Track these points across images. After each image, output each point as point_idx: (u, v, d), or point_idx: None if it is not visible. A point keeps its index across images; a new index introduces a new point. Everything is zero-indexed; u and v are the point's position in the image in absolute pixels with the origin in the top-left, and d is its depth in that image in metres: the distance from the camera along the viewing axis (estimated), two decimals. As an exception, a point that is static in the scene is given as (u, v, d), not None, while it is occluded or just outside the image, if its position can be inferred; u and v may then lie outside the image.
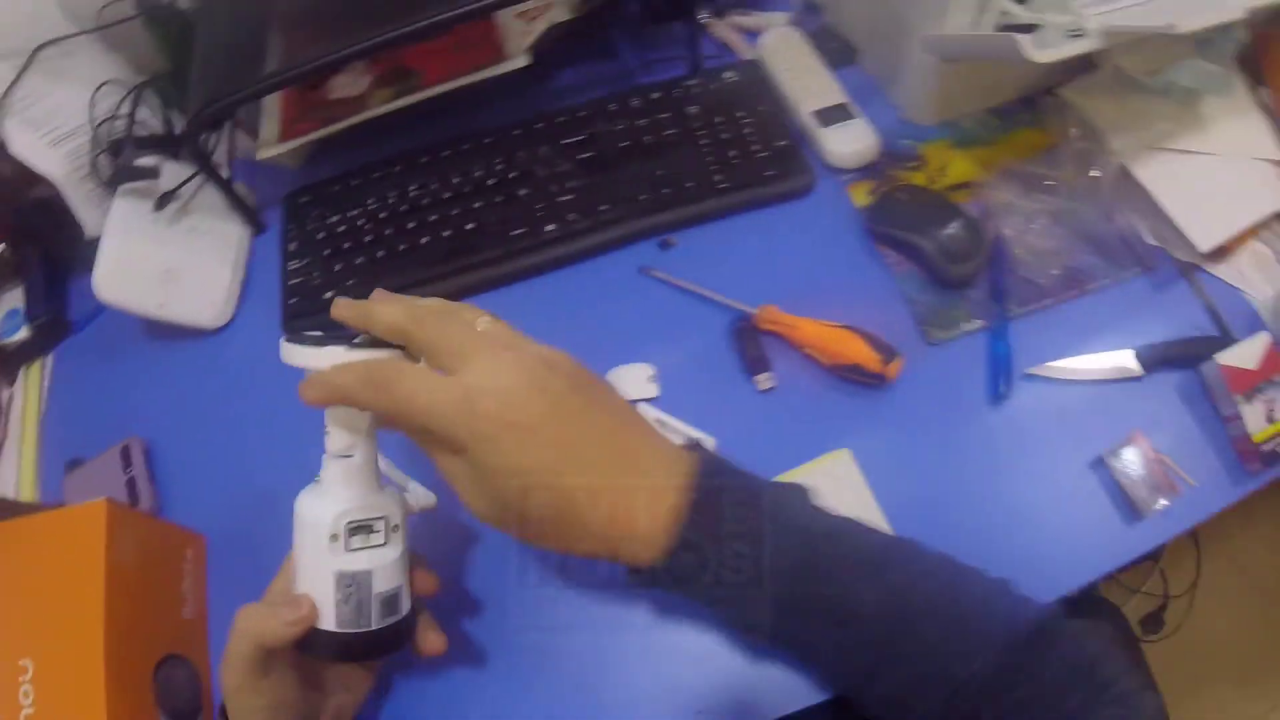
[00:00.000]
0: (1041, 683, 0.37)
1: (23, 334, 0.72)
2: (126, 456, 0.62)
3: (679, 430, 0.56)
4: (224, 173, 0.70)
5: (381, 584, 0.43)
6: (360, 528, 0.43)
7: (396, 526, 0.44)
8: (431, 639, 0.47)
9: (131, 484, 0.61)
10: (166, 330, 0.67)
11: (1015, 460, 0.56)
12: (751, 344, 0.60)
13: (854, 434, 0.56)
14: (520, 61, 0.64)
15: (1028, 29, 0.55)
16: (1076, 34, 0.54)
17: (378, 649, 0.44)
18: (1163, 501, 0.53)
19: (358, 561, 0.43)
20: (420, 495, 0.50)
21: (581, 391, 0.38)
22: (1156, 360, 0.58)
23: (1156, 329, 0.60)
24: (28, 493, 0.66)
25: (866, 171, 0.68)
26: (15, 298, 0.74)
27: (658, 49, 0.74)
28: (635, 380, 0.59)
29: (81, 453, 0.66)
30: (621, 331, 0.62)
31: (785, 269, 0.64)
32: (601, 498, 0.38)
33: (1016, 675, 0.37)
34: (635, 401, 0.58)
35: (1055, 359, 0.59)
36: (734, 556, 0.38)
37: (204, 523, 0.60)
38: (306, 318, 0.65)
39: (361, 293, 0.43)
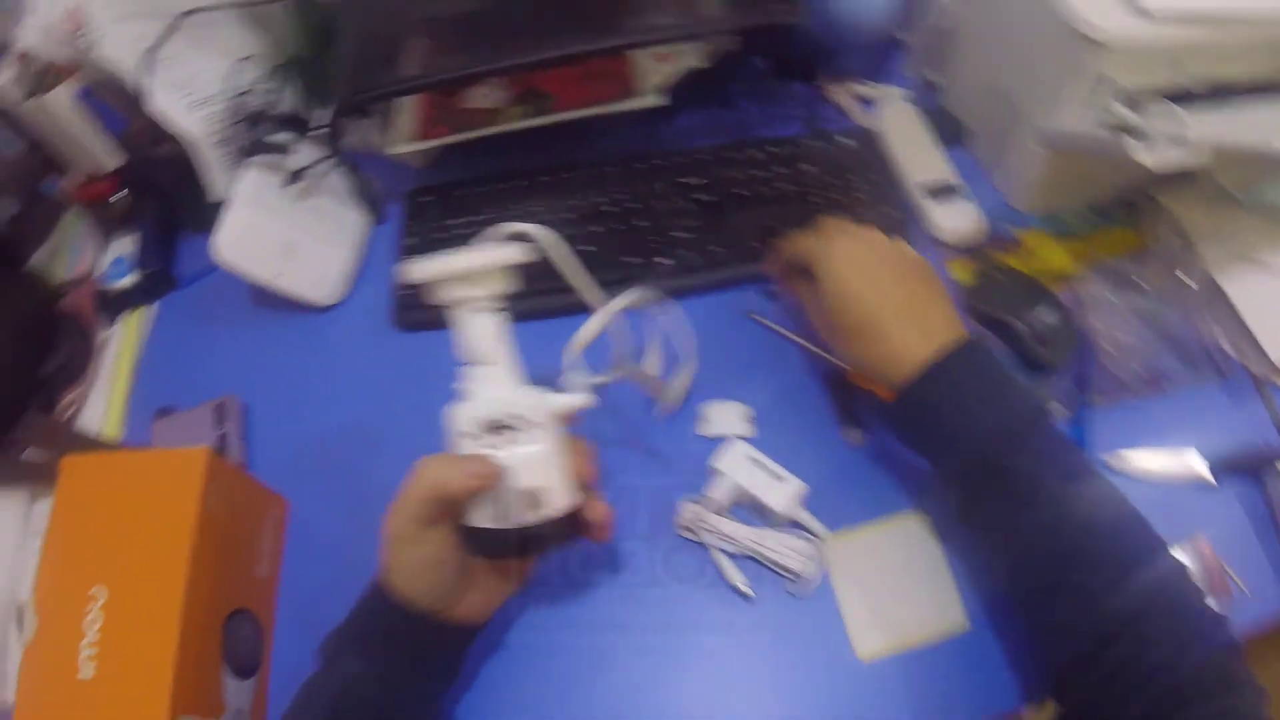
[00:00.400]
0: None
1: (129, 281, 0.73)
2: (220, 413, 0.63)
3: (773, 471, 0.56)
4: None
5: (522, 479, 0.43)
6: (496, 425, 0.43)
7: (537, 423, 0.44)
8: (596, 515, 0.46)
9: (222, 440, 0.61)
10: (275, 301, 0.68)
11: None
12: (845, 399, 0.60)
13: (932, 498, 0.56)
14: (652, 100, 0.66)
15: (1135, 132, 0.56)
16: (1179, 143, 0.55)
17: (517, 547, 0.44)
18: (1215, 605, 0.52)
19: (496, 457, 0.43)
20: (572, 396, 0.47)
21: (908, 270, 0.51)
22: (1223, 466, 0.58)
23: (1226, 435, 0.59)
24: (112, 432, 0.66)
25: (967, 250, 0.68)
26: (127, 245, 0.75)
27: (777, 105, 0.76)
28: (732, 418, 0.60)
29: (172, 404, 0.66)
30: (723, 369, 0.62)
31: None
32: (897, 323, 0.49)
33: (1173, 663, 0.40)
34: (730, 438, 0.58)
35: (1128, 452, 0.59)
36: (975, 399, 0.46)
37: (287, 490, 0.60)
38: (416, 310, 0.66)
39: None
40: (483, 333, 0.44)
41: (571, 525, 0.46)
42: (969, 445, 0.46)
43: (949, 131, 0.74)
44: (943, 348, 0.47)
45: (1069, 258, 0.68)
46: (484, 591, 0.49)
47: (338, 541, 0.58)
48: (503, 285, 0.45)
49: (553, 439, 0.45)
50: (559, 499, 0.45)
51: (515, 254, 0.44)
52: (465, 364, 0.45)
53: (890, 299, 0.49)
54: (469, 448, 0.44)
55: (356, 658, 0.45)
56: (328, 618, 0.50)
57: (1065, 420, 0.60)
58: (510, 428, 0.43)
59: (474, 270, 0.44)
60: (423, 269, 0.44)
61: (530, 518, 0.44)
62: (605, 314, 0.51)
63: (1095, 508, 0.44)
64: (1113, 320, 0.64)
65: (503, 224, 0.47)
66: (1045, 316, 0.62)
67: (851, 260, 0.51)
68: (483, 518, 0.44)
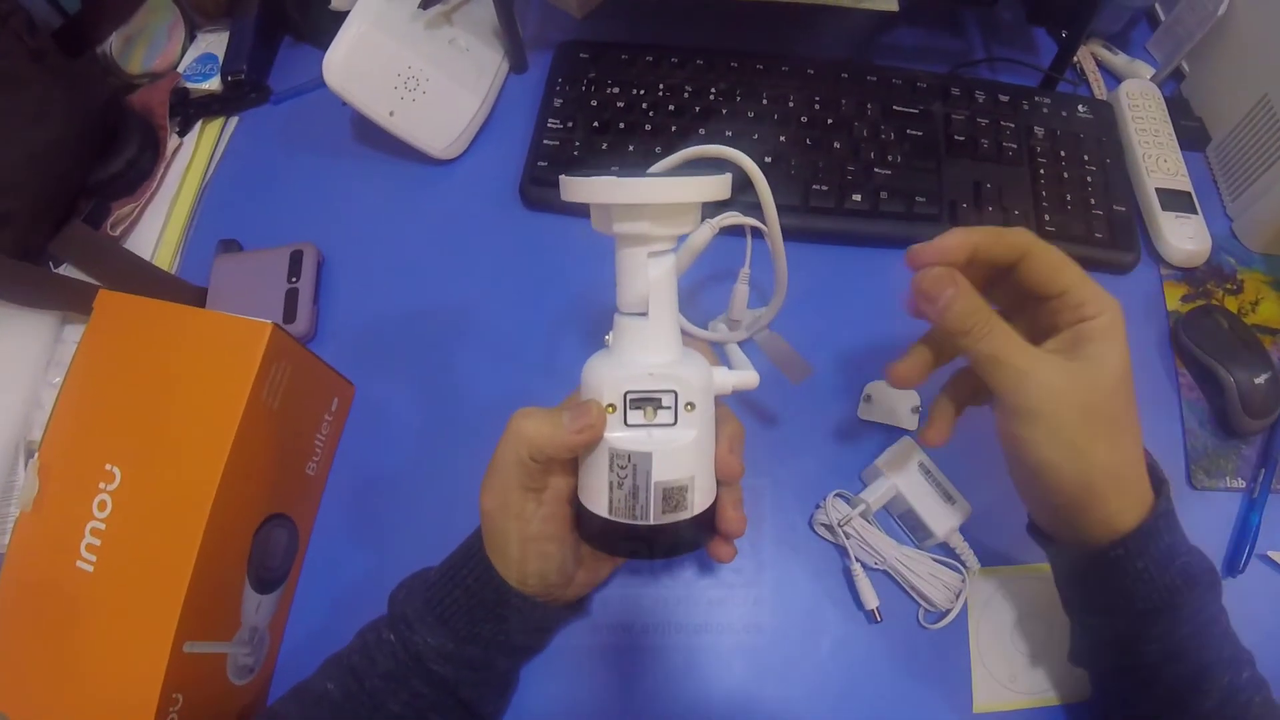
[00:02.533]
0: None
1: (212, 85, 0.59)
2: (297, 263, 0.49)
3: (945, 488, 0.44)
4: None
5: (664, 471, 0.33)
6: (644, 400, 0.33)
7: (692, 405, 0.33)
8: (728, 524, 0.36)
9: (292, 297, 0.49)
10: (383, 141, 0.54)
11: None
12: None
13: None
14: (888, 4, 0.50)
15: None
16: None
17: (654, 549, 0.34)
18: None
19: (636, 439, 0.33)
20: (738, 372, 0.37)
21: (1130, 402, 0.37)
22: None
23: None
24: (165, 258, 0.53)
25: (1184, 274, 0.55)
26: (216, 43, 0.60)
27: (1015, 49, 0.60)
28: (899, 406, 0.47)
29: (238, 237, 0.53)
30: (890, 340, 0.50)
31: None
32: (1110, 475, 0.36)
33: None
34: (901, 434, 0.46)
35: None
36: (1158, 584, 0.36)
37: (353, 367, 0.48)
38: (550, 187, 0.52)
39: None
40: (651, 280, 0.33)
41: (706, 530, 0.36)
42: (1170, 622, 0.36)
43: (1188, 132, 0.59)
44: (1165, 504, 0.37)
45: (1282, 313, 0.56)
46: (592, 566, 0.40)
47: (404, 437, 0.47)
48: (689, 225, 0.34)
49: (706, 423, 0.34)
50: (701, 498, 0.34)
51: (719, 189, 0.33)
52: (619, 311, 0.35)
53: (1126, 444, 0.36)
54: (607, 420, 0.33)
55: (435, 633, 0.36)
56: (377, 528, 0.41)
57: (1244, 498, 0.49)
58: (659, 404, 0.33)
59: (667, 203, 0.32)
60: (595, 188, 0.31)
61: (670, 518, 0.33)
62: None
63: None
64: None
65: (704, 146, 0.36)
66: (1260, 380, 0.51)
67: (1124, 349, 0.36)
68: (604, 502, 0.34)
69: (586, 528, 0.35)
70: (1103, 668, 0.40)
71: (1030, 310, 0.37)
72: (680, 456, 0.33)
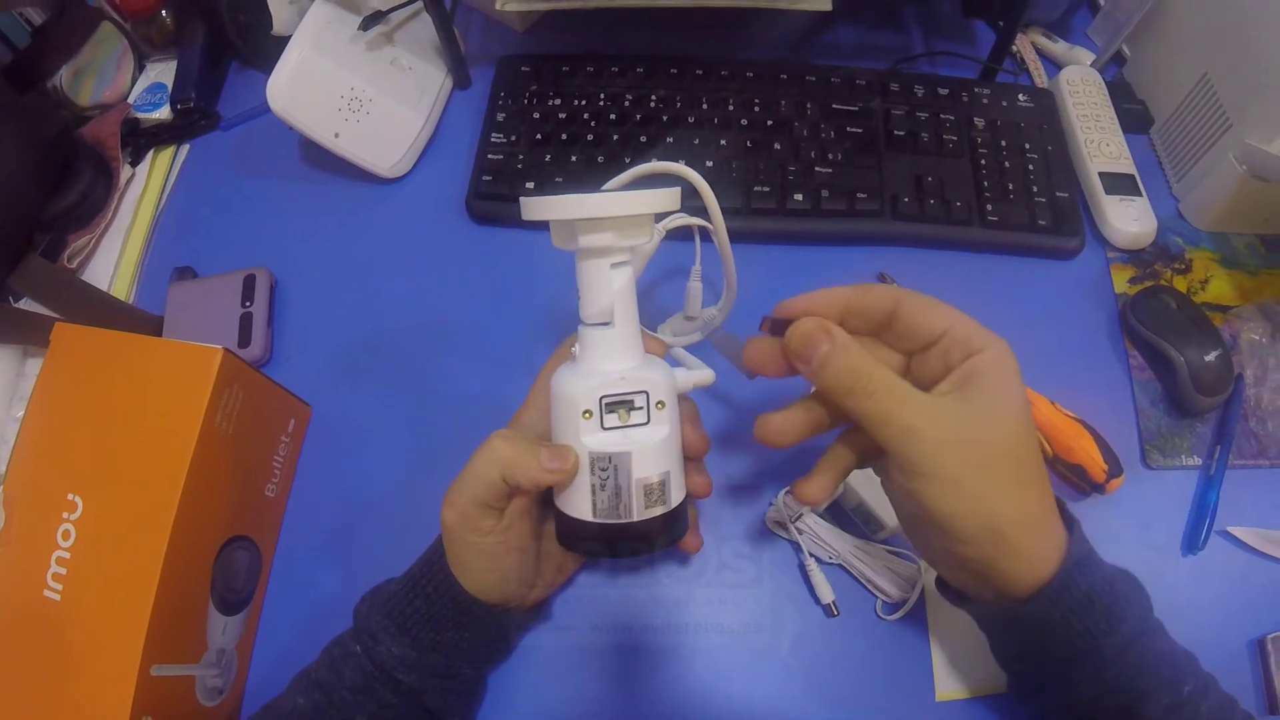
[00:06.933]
0: None
1: (162, 114, 0.61)
2: (249, 287, 0.52)
3: None
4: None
5: (643, 468, 0.36)
6: (618, 403, 0.36)
7: (662, 403, 0.36)
8: (696, 488, 0.40)
9: (246, 321, 0.51)
10: (330, 163, 0.56)
11: (1181, 616, 0.44)
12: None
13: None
14: (821, 3, 0.52)
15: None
16: None
17: (640, 543, 0.37)
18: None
19: (614, 441, 0.35)
20: (695, 371, 0.41)
21: (1031, 439, 0.35)
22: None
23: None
24: (122, 288, 0.55)
25: (1131, 256, 0.58)
26: (165, 73, 0.63)
27: (952, 41, 0.62)
28: None
29: (193, 264, 0.55)
30: None
31: (1026, 331, 0.52)
32: (1018, 521, 0.34)
33: None
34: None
35: (1254, 524, 0.50)
36: (1079, 630, 0.35)
37: (310, 388, 0.50)
38: (495, 200, 0.54)
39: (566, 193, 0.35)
40: (614, 290, 0.36)
41: (682, 522, 0.38)
42: (1097, 664, 0.36)
43: (1131, 115, 0.62)
44: (1076, 554, 0.35)
45: (1234, 291, 0.58)
46: (552, 570, 0.43)
47: (363, 455, 0.49)
48: (646, 235, 0.36)
49: (675, 420, 0.37)
50: (676, 491, 0.37)
51: (672, 201, 0.35)
52: (584, 323, 0.37)
53: (1032, 495, 0.35)
54: (582, 426, 0.36)
55: (398, 642, 0.38)
56: (340, 546, 0.43)
57: (1200, 475, 0.51)
58: (632, 405, 0.36)
59: (629, 215, 0.34)
60: (555, 206, 0.33)
61: (653, 512, 0.36)
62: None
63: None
64: (1265, 373, 0.55)
65: (655, 163, 0.39)
66: (1211, 358, 0.53)
67: (1019, 384, 0.35)
68: (587, 506, 0.36)
69: (570, 533, 0.37)
70: (1040, 705, 0.40)
71: (920, 359, 0.37)
72: (657, 452, 0.36)
